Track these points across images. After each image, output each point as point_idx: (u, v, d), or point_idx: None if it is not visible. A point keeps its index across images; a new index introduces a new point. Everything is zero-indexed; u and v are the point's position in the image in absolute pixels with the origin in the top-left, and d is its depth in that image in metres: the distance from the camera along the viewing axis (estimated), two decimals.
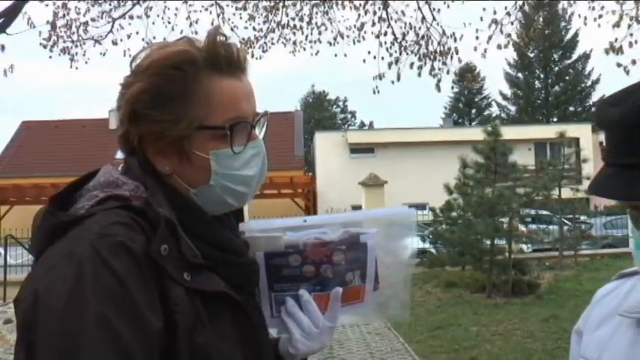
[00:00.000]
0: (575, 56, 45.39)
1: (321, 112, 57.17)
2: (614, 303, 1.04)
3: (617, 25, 6.10)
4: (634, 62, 5.96)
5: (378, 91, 6.88)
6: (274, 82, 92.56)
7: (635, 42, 6.08)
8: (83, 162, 21.88)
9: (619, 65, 6.12)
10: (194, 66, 1.06)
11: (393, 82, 6.76)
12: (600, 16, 7.04)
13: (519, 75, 47.35)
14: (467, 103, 51.88)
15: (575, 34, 44.36)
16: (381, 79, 6.76)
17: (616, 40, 6.22)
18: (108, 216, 0.97)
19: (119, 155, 1.17)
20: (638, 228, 0.86)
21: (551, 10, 27.90)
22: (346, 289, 1.18)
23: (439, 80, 6.86)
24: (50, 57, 8.91)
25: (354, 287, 1.20)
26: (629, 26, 6.02)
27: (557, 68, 46.29)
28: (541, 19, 12.62)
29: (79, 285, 0.89)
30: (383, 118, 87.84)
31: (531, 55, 46.01)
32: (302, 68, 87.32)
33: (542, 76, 46.82)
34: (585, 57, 44.24)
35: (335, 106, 61.38)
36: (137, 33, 9.00)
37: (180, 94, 1.05)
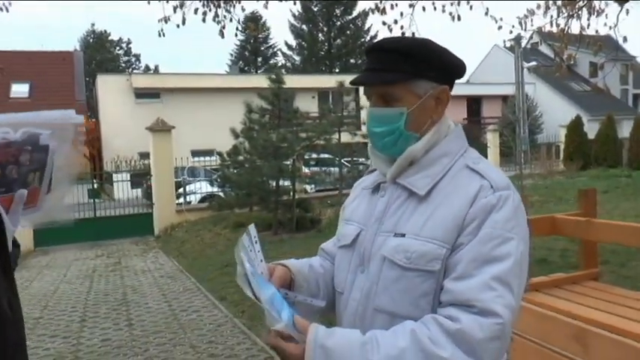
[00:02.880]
0: (355, 13, 48.30)
1: (102, 54, 53.51)
2: (360, 187, 1.59)
3: None
4: (395, 22, 6.82)
5: (164, 34, 6.86)
6: (46, 17, 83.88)
7: (397, 5, 6.96)
8: None
9: (384, 23, 6.97)
10: None
11: (178, 26, 6.78)
12: None
13: (304, 27, 49.15)
14: (253, 51, 52.63)
15: None
16: (166, 22, 6.74)
17: (380, 1, 7.05)
18: None
19: None
20: (372, 105, 1.40)
21: None
22: (28, 190, 1.15)
23: (223, 27, 7.05)
24: None
25: (33, 189, 1.17)
26: None
27: (339, 23, 48.87)
28: None
29: None
30: (168, 63, 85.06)
31: (315, 9, 48.01)
32: (83, 4, 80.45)
33: (325, 29, 49.13)
34: (365, 14, 47.27)
35: (118, 48, 57.89)
36: None
37: None
